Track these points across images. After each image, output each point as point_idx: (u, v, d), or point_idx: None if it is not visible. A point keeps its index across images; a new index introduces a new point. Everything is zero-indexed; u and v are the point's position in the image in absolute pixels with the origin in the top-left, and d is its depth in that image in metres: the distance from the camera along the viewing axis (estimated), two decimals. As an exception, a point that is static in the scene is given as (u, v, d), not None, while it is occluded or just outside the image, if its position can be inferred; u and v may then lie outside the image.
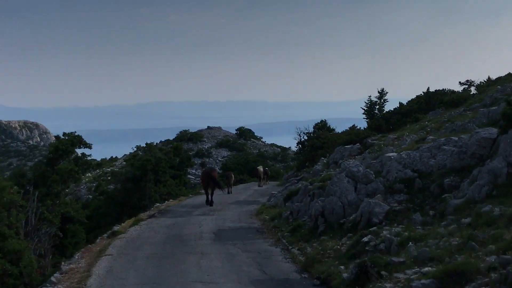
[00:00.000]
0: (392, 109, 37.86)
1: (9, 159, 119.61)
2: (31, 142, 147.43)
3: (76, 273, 12.78)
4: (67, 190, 25.35)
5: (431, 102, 36.25)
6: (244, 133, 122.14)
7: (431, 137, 17.93)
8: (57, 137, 27.58)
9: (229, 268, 12.38)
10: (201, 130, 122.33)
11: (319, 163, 27.42)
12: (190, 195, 35.28)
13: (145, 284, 11.28)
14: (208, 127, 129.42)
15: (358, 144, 23.37)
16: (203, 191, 39.80)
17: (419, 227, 11.32)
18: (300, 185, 22.42)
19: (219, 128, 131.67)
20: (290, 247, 13.85)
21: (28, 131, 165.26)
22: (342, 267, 10.49)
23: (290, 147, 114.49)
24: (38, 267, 15.80)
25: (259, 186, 39.88)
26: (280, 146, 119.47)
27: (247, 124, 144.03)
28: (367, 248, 10.72)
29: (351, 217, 13.62)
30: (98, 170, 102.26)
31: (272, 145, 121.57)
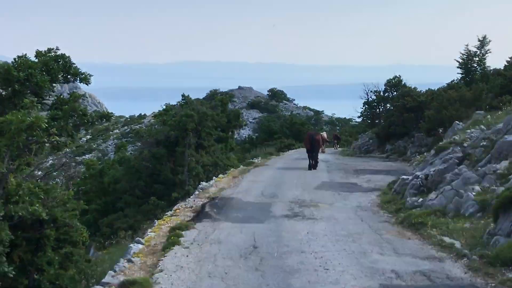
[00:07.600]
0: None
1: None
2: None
3: None
4: (30, 168, 10.41)
5: None
6: (276, 95, 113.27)
7: None
8: (19, 58, 11.97)
9: None
10: (231, 90, 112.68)
11: (460, 128, 16.04)
12: (243, 166, 23.76)
13: None
14: (239, 87, 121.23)
15: None
16: (255, 159, 28.78)
17: None
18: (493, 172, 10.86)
19: (250, 88, 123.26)
20: None
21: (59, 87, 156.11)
22: None
23: (323, 111, 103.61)
24: None
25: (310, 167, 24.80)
26: (313, 109, 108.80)
27: (276, 86, 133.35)
28: None
29: None
30: (126, 127, 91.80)
31: (305, 107, 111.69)
